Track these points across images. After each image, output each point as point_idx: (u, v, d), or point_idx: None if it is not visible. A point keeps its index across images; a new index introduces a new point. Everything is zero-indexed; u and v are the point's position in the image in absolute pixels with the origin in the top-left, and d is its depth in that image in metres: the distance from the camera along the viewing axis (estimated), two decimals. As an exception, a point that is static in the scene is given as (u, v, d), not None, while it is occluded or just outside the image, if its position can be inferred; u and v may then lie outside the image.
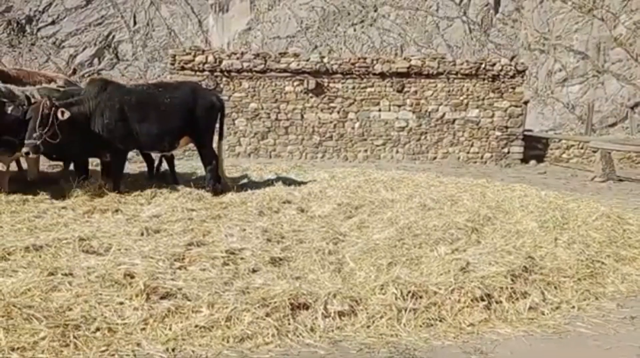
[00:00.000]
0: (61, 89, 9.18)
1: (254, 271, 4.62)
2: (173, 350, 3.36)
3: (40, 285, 3.98)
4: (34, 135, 7.23)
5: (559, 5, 20.65)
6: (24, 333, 3.35)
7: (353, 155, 14.60)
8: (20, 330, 3.37)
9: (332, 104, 14.51)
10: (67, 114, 7.37)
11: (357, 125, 14.59)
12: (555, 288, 4.54)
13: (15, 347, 3.25)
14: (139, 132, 8.08)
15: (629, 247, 5.83)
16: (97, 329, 3.47)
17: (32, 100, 7.57)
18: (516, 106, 14.71)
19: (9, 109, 7.51)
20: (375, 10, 22.01)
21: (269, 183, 9.34)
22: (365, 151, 14.66)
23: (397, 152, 14.68)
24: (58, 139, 7.38)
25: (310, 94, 14.43)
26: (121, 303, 3.77)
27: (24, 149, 7.37)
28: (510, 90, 14.65)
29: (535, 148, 15.23)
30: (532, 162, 14.81)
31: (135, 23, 26.55)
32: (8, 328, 3.37)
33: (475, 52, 20.45)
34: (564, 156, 15.35)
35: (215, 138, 8.88)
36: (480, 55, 19.39)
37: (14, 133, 7.49)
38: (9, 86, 8.40)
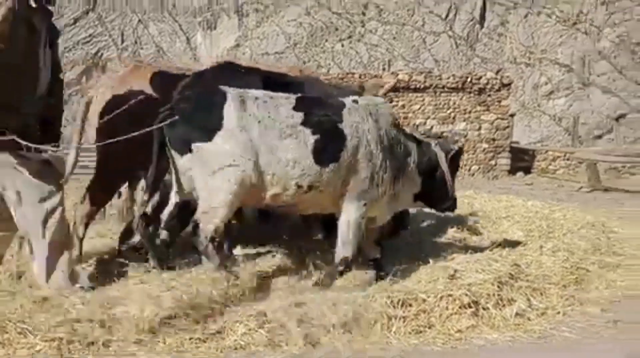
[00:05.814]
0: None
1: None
2: None
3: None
4: None
5: (544, 19, 21.01)
6: None
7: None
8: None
9: (321, 119, 14.62)
10: None
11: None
12: (541, 294, 4.60)
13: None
14: None
15: (613, 254, 5.94)
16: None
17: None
18: (502, 119, 14.93)
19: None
20: (363, 26, 22.28)
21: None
22: (355, 164, 14.76)
23: (386, 165, 14.80)
24: None
25: (300, 109, 14.54)
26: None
27: None
28: (496, 103, 14.87)
29: (522, 160, 15.43)
30: (519, 174, 14.98)
31: (122, 41, 26.67)
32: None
33: (462, 66, 20.71)
34: (551, 167, 15.56)
35: None
36: (467, 69, 19.65)
37: None
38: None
